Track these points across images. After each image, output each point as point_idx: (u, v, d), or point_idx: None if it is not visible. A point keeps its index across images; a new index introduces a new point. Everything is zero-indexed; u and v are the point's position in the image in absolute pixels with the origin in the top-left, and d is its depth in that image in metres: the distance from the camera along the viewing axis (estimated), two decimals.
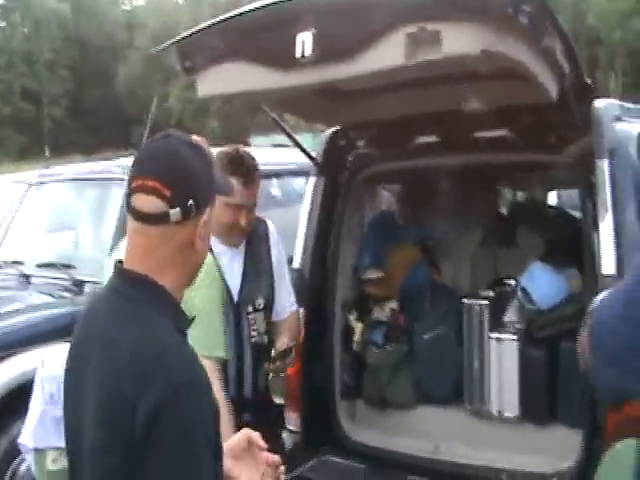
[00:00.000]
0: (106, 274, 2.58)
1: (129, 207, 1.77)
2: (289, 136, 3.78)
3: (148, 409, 1.59)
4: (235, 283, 3.24)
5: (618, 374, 1.67)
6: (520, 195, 6.06)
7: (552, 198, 6.97)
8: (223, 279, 3.19)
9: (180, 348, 1.70)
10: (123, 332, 1.71)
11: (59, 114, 44.10)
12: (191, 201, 1.73)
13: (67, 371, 1.86)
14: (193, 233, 1.76)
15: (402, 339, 4.02)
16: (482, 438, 3.70)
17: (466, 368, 3.80)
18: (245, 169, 3.13)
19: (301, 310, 3.61)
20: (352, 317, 4.09)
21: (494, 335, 3.71)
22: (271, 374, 3.27)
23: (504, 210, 5.21)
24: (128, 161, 6.58)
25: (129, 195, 1.77)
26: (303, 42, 2.64)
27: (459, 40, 2.37)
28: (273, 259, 3.37)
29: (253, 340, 3.24)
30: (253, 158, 3.21)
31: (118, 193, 6.31)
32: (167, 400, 1.59)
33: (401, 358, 4.00)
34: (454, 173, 4.27)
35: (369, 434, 3.96)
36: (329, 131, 3.99)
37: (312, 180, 3.96)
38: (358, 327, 4.06)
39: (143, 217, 1.74)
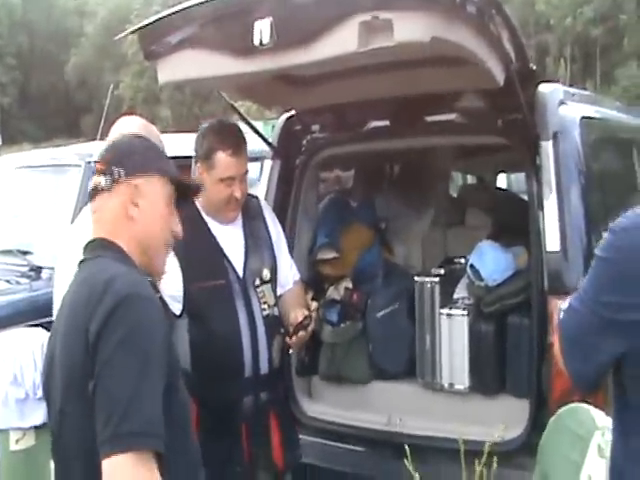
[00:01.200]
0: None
1: None
2: (245, 121, 3.88)
3: (98, 323, 1.75)
4: (238, 259, 3.27)
5: (582, 357, 1.81)
6: (470, 178, 6.22)
7: (501, 181, 7.14)
8: (225, 257, 3.24)
9: (129, 274, 1.88)
10: (83, 278, 1.92)
11: (7, 102, 43.41)
12: (118, 168, 1.96)
13: (48, 338, 2.03)
14: (126, 200, 1.97)
15: (356, 317, 4.10)
16: (434, 410, 3.81)
17: (418, 343, 3.91)
18: (233, 140, 3.19)
19: None
20: (308, 297, 4.19)
21: (444, 311, 3.81)
22: (291, 348, 3.36)
23: (455, 192, 5.35)
24: (83, 148, 6.66)
25: None
26: (261, 30, 2.74)
27: (410, 28, 2.48)
28: (271, 231, 3.43)
29: (265, 313, 3.26)
30: (239, 128, 3.28)
31: (75, 179, 6.36)
32: (114, 309, 1.76)
33: (355, 335, 4.08)
34: (406, 156, 4.41)
35: (325, 409, 4.07)
36: (284, 116, 4.09)
37: (268, 164, 4.07)
38: (312, 306, 4.16)
39: (90, 196, 2.02)
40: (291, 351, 3.44)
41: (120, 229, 1.99)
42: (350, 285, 4.20)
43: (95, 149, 6.33)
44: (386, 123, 3.87)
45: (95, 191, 2.00)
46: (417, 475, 2.65)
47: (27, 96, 43.60)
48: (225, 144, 3.15)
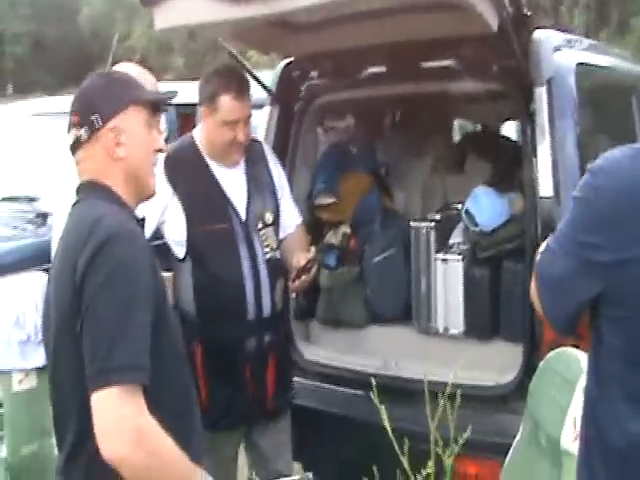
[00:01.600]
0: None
1: None
2: (245, 68, 3.89)
3: (85, 259, 1.81)
4: (241, 202, 3.30)
5: (558, 298, 1.83)
6: (472, 126, 6.20)
7: (508, 129, 7.10)
8: (228, 200, 3.27)
9: (116, 214, 1.94)
10: (72, 220, 2.00)
11: (21, 52, 43.24)
12: (94, 116, 1.99)
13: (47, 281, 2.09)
14: (111, 142, 2.01)
15: (354, 262, 4.15)
16: (429, 354, 3.85)
17: (414, 288, 3.96)
18: (236, 83, 3.22)
19: None
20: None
21: (440, 256, 3.85)
22: (294, 292, 3.41)
23: (455, 139, 5.35)
24: None
25: None
26: None
27: None
28: (274, 175, 3.46)
29: (268, 256, 3.30)
30: (242, 72, 3.33)
31: None
32: (98, 249, 1.82)
33: (352, 280, 4.14)
34: (405, 103, 4.41)
35: (322, 352, 4.12)
36: (283, 62, 4.10)
37: (267, 109, 4.09)
38: (312, 251, 4.21)
39: (71, 150, 2.05)
40: (293, 295, 3.45)
41: (108, 170, 2.04)
42: (348, 230, 4.23)
43: None
44: (383, 69, 3.85)
45: (77, 144, 2.03)
46: (383, 407, 2.67)
47: (41, 46, 43.37)
48: (229, 87, 3.18)
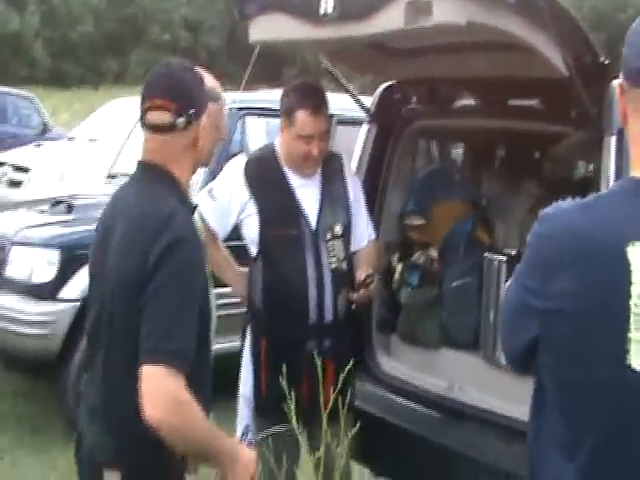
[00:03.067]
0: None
1: (144, 122, 2.28)
2: (344, 87, 4.05)
3: (156, 254, 2.10)
4: (313, 212, 3.47)
5: (508, 332, 1.90)
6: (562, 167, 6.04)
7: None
8: (300, 209, 3.45)
9: (184, 214, 2.22)
10: (141, 203, 2.25)
11: (214, 44, 44.92)
12: (192, 110, 2.23)
13: (94, 242, 2.38)
14: (197, 135, 2.27)
15: (434, 284, 4.24)
16: (491, 384, 3.89)
17: (483, 317, 4.02)
18: (312, 99, 3.38)
19: None
20: (394, 258, 4.37)
21: None
22: (354, 304, 3.53)
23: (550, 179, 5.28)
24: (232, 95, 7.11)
25: (143, 113, 2.27)
26: (327, 2, 2.94)
27: (447, 11, 2.61)
28: (349, 190, 3.59)
29: (332, 266, 3.45)
30: (320, 89, 3.47)
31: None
32: (171, 247, 2.11)
33: (430, 301, 4.22)
34: (500, 138, 4.45)
35: (398, 367, 4.25)
36: (385, 84, 4.24)
37: (364, 127, 4.24)
38: (398, 268, 4.33)
39: (157, 129, 2.26)
40: (353, 306, 3.59)
41: (181, 158, 2.30)
42: (435, 254, 4.32)
43: (235, 98, 6.75)
44: (477, 102, 3.94)
45: (168, 128, 2.24)
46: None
47: (234, 41, 44.86)
48: (305, 103, 3.36)
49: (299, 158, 3.44)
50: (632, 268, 1.60)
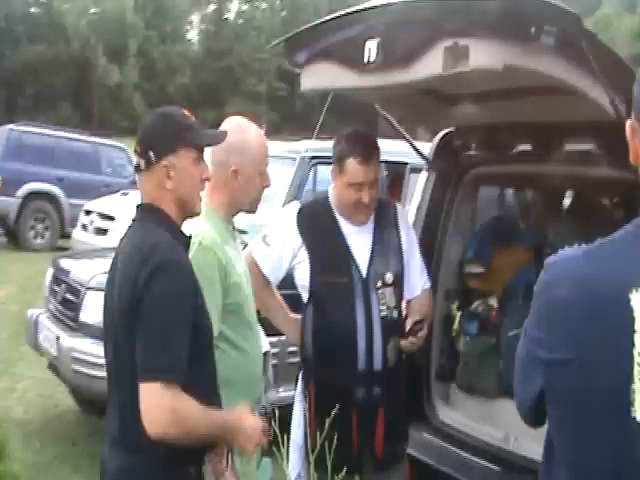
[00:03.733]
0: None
1: None
2: (400, 134, 4.07)
3: (143, 278, 2.27)
4: (364, 259, 3.44)
5: (518, 384, 1.85)
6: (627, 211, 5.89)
7: None
8: (351, 257, 3.45)
9: (170, 243, 2.38)
10: (134, 238, 2.44)
11: (310, 94, 45.75)
12: (151, 152, 2.39)
13: (107, 278, 2.53)
14: (161, 177, 2.41)
15: (492, 333, 4.21)
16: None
17: None
18: (362, 147, 3.37)
19: None
20: (454, 306, 4.35)
21: None
22: (403, 351, 3.47)
23: (616, 224, 5.15)
24: (297, 144, 7.18)
25: None
26: (370, 49, 2.97)
27: (484, 55, 2.60)
28: (402, 239, 3.56)
29: (382, 314, 3.40)
30: (372, 137, 3.46)
31: (288, 171, 6.87)
32: (155, 272, 2.27)
33: (487, 350, 4.20)
34: (568, 183, 4.37)
35: (454, 416, 4.23)
36: (443, 132, 4.24)
37: (423, 175, 4.25)
38: (457, 316, 4.30)
39: (135, 170, 2.50)
40: (404, 355, 3.56)
41: (161, 197, 2.44)
42: (495, 302, 4.30)
43: (307, 146, 6.84)
44: (535, 147, 3.88)
45: (137, 169, 2.46)
46: None
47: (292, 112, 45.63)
48: (355, 151, 3.35)
49: (350, 205, 3.44)
50: (635, 315, 1.54)
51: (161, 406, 2.22)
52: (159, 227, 2.42)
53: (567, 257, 1.71)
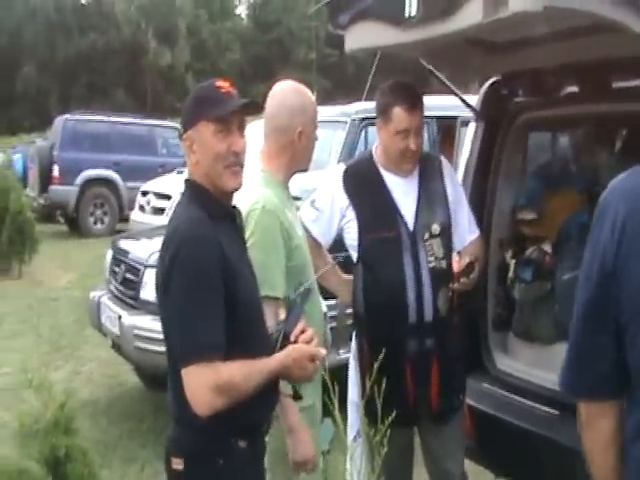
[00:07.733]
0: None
1: None
2: (448, 87, 4.10)
3: (167, 260, 2.37)
4: (410, 212, 3.52)
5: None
6: None
7: None
8: (398, 211, 3.53)
9: (193, 220, 2.43)
10: (172, 215, 2.56)
11: (361, 57, 45.34)
12: (182, 128, 2.52)
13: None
14: (188, 150, 2.52)
15: (547, 278, 4.20)
16: None
17: None
18: (406, 95, 3.48)
19: None
20: (508, 255, 4.35)
21: None
22: (455, 292, 3.55)
23: None
24: (348, 107, 7.23)
25: None
26: (410, 3, 3.02)
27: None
28: (448, 190, 3.62)
29: (431, 265, 3.49)
30: (414, 86, 3.54)
31: (339, 134, 6.91)
32: (175, 254, 2.35)
33: (543, 295, 4.19)
34: (619, 122, 4.35)
35: (513, 364, 4.25)
36: (489, 81, 4.27)
37: (472, 126, 4.28)
38: (512, 264, 4.33)
39: None
40: (454, 302, 3.60)
41: (194, 171, 2.55)
42: (549, 248, 4.28)
43: (357, 108, 6.89)
44: (583, 88, 3.88)
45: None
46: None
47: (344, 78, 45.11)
48: (400, 99, 3.45)
49: (397, 155, 3.50)
50: None
51: (203, 387, 2.31)
52: (191, 203, 2.50)
53: (615, 181, 1.84)
